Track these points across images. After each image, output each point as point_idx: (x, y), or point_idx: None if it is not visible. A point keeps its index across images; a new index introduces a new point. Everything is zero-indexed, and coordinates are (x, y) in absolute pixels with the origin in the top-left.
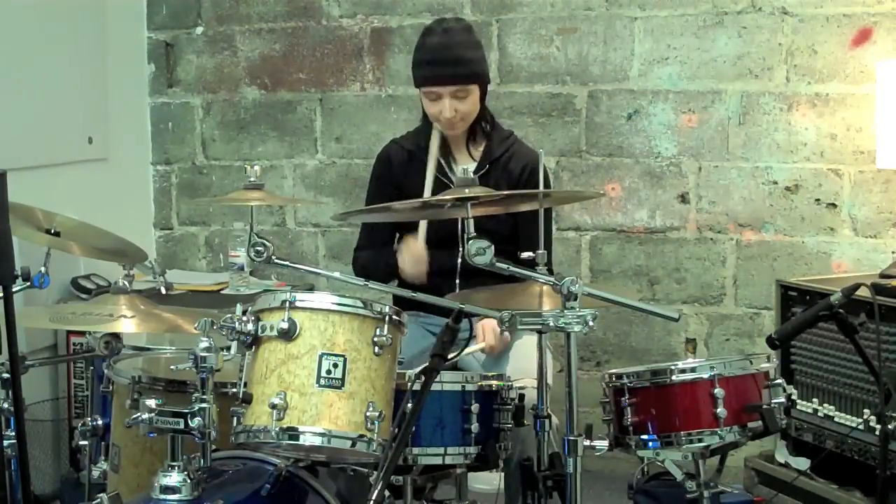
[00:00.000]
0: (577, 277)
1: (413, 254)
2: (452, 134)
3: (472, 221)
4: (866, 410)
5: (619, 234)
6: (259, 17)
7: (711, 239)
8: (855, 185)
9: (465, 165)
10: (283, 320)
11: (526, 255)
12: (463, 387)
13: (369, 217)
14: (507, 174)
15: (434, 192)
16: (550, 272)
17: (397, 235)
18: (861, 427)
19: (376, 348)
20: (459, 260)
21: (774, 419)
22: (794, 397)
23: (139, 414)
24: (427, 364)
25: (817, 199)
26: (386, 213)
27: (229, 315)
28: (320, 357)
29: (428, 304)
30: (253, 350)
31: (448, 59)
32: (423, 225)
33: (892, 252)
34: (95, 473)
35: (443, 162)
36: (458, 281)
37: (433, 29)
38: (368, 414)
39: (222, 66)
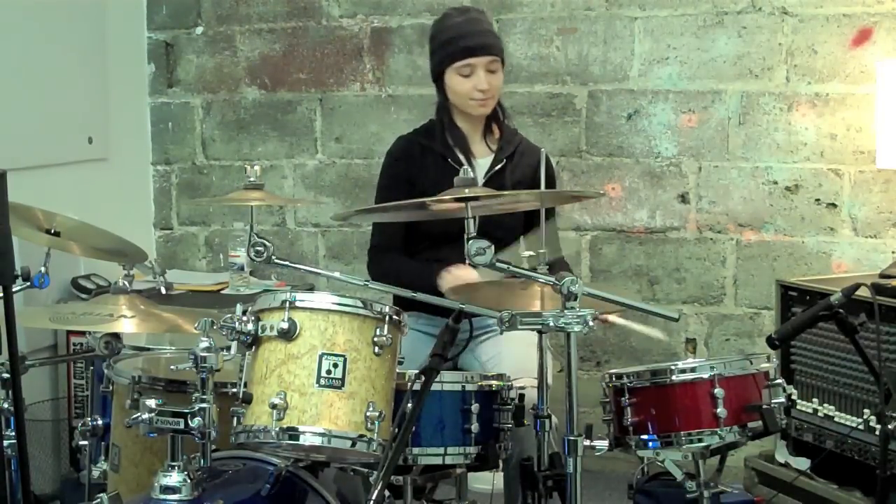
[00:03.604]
0: (577, 277)
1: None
2: (483, 113)
3: (472, 221)
4: (866, 410)
5: (619, 234)
6: (259, 17)
7: (711, 239)
8: (855, 185)
9: (483, 158)
10: (283, 320)
11: (527, 253)
12: (463, 387)
13: (371, 217)
14: (522, 169)
15: (449, 187)
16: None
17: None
18: (861, 427)
19: (376, 348)
20: (467, 258)
21: (774, 419)
22: (794, 397)
23: (139, 414)
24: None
25: (817, 199)
26: (389, 212)
27: (229, 315)
28: (320, 357)
29: (428, 304)
30: (253, 350)
31: (480, 31)
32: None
33: (892, 252)
34: (95, 473)
35: (460, 154)
36: None
37: (450, 13)
38: (368, 414)
39: (222, 66)
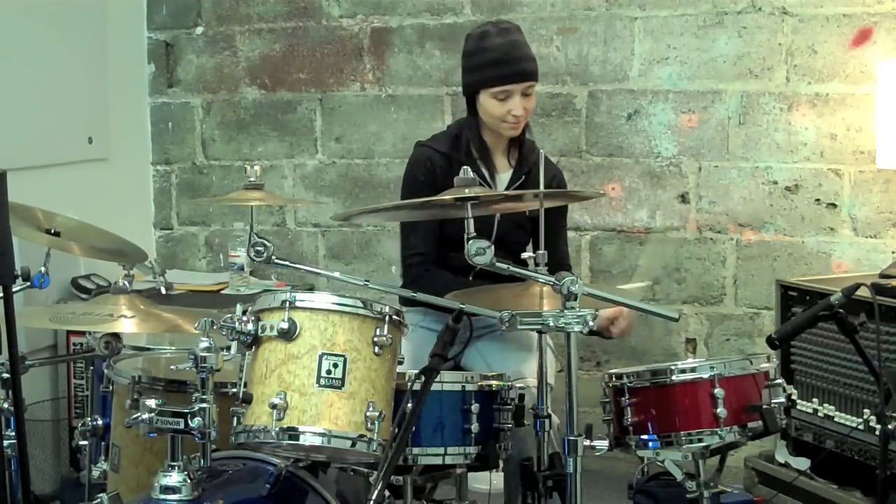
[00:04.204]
0: (577, 277)
1: None
2: (513, 135)
3: (471, 221)
4: (866, 410)
5: (619, 234)
6: (259, 17)
7: (711, 239)
8: (855, 185)
9: (504, 172)
10: (283, 320)
11: (526, 255)
12: (463, 387)
13: (370, 217)
14: (538, 185)
15: None
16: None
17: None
18: (861, 427)
19: (376, 348)
20: (467, 258)
21: (774, 419)
22: (794, 397)
23: (139, 414)
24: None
25: (817, 199)
26: (393, 212)
27: (229, 315)
28: (320, 357)
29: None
30: (253, 350)
31: (520, 56)
32: None
33: (892, 252)
34: (95, 473)
35: (483, 168)
36: (471, 279)
37: (489, 31)
38: (368, 414)
39: (222, 66)
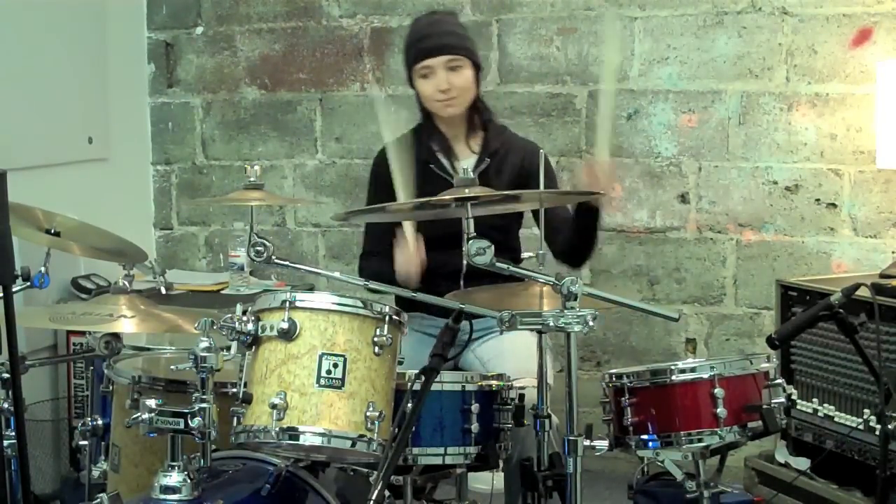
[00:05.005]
0: (577, 277)
1: (404, 254)
2: (452, 114)
3: (472, 221)
4: (866, 410)
5: (619, 234)
6: (259, 17)
7: (711, 239)
8: (855, 185)
9: (467, 159)
10: (283, 320)
11: (526, 255)
12: (463, 387)
13: (369, 217)
14: (510, 167)
15: (433, 191)
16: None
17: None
18: (861, 427)
19: (376, 348)
20: (465, 261)
21: (774, 419)
22: (794, 397)
23: (139, 414)
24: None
25: (817, 199)
26: (386, 213)
27: (229, 315)
28: (320, 357)
29: (430, 305)
30: (253, 350)
31: (438, 32)
32: (407, 225)
33: (892, 252)
34: (95, 473)
35: (443, 159)
36: (462, 282)
37: (419, 18)
38: (368, 414)
39: (222, 66)
